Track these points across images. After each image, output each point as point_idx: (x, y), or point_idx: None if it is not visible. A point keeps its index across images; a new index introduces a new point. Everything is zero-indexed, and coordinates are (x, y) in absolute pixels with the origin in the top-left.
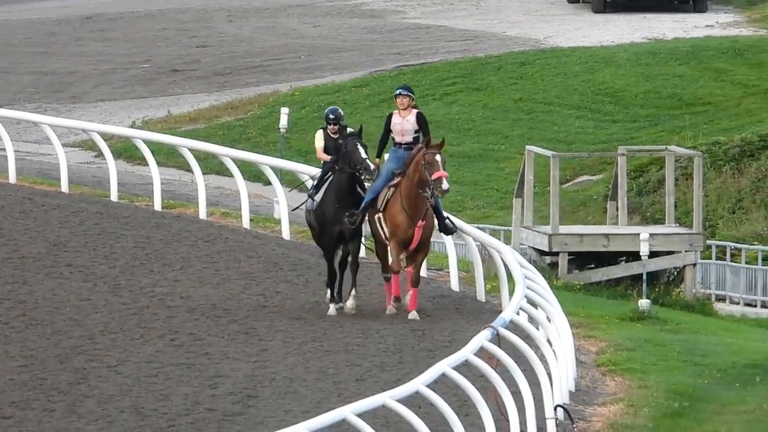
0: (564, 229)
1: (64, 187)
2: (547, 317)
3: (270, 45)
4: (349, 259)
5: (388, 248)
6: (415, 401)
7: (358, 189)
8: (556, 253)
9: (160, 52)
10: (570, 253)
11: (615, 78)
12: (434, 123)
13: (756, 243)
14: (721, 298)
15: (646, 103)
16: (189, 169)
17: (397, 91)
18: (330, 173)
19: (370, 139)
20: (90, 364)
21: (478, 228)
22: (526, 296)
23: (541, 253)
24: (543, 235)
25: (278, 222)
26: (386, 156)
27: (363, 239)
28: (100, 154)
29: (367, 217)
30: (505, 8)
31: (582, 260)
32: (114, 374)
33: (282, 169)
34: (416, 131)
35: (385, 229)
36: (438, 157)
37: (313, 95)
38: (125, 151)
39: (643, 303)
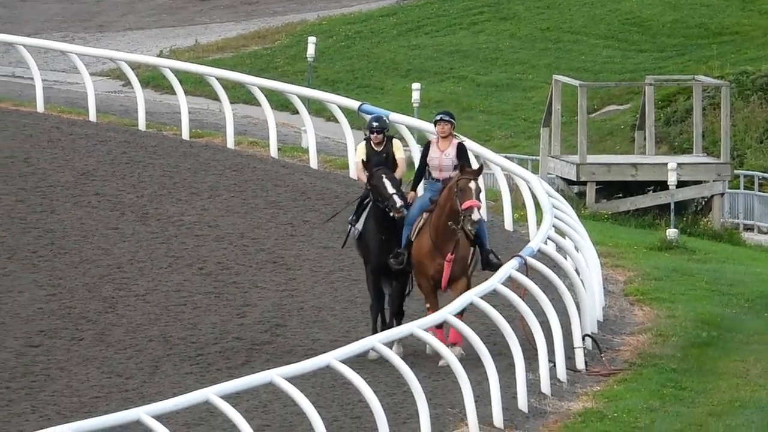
0: (591, 158)
1: (92, 116)
2: (575, 247)
3: None
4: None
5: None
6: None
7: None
8: (584, 183)
9: None
10: (598, 183)
11: (642, 7)
12: (461, 52)
13: None
14: (748, 228)
15: (674, 33)
16: (216, 99)
17: (437, 117)
18: (369, 198)
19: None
20: (118, 293)
21: (506, 157)
22: (553, 226)
23: (569, 182)
24: (571, 165)
25: (306, 151)
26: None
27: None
28: (128, 83)
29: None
30: None
31: (609, 190)
32: (142, 303)
33: (309, 98)
34: (456, 166)
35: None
36: (472, 185)
37: (341, 24)
38: (153, 80)
39: (671, 232)
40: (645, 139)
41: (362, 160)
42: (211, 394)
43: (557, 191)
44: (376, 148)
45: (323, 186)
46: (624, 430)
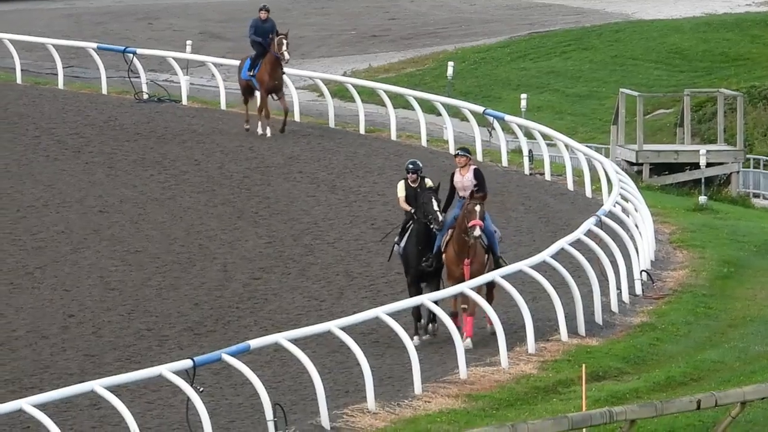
0: (646, 147)
1: (296, 117)
2: (635, 208)
3: (440, 18)
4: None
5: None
6: (542, 267)
7: (435, 233)
8: (641, 164)
9: (363, 23)
10: (651, 164)
11: (682, 41)
12: (554, 73)
13: None
14: (756, 196)
15: (704, 59)
16: (384, 105)
17: (456, 152)
18: (410, 222)
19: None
20: (315, 241)
21: (587, 146)
22: (620, 194)
23: (630, 163)
24: (632, 151)
25: (446, 142)
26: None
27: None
28: (322, 95)
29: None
30: None
31: (659, 169)
32: (332, 248)
33: (448, 105)
34: (475, 185)
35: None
36: (477, 208)
37: (470, 53)
38: (339, 92)
39: (702, 199)
40: (684, 133)
41: (402, 196)
42: (381, 312)
43: (622, 170)
44: (412, 185)
45: None
46: (669, 337)
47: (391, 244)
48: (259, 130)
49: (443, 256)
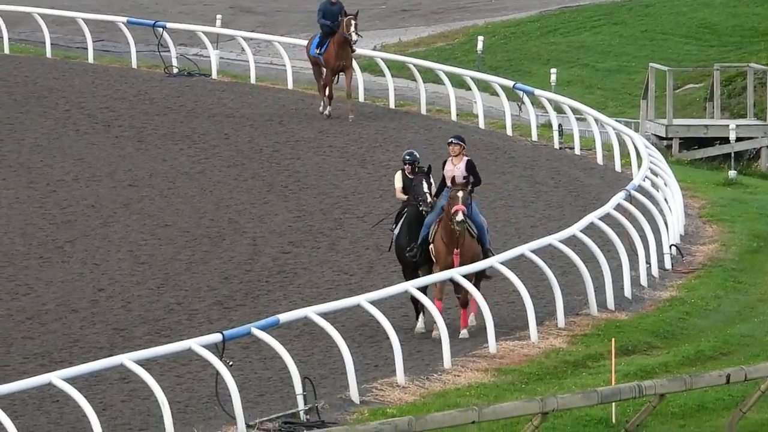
0: (676, 121)
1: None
2: (665, 183)
3: None
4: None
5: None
6: (572, 241)
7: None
8: (670, 138)
9: None
10: (680, 138)
11: (712, 16)
12: (585, 47)
13: None
14: None
15: (734, 33)
16: (414, 79)
17: (450, 140)
18: (405, 208)
19: None
20: (344, 215)
21: (617, 121)
22: (649, 168)
23: (660, 138)
24: (661, 126)
25: (475, 116)
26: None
27: None
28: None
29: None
30: None
31: (688, 143)
32: (361, 222)
33: (478, 79)
34: (465, 177)
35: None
36: (460, 194)
37: (500, 27)
38: (369, 66)
39: (731, 173)
40: (713, 107)
41: (399, 187)
42: (410, 286)
43: (652, 144)
44: (409, 176)
45: (488, 140)
46: (698, 312)
47: (388, 232)
48: (321, 109)
49: (431, 246)
